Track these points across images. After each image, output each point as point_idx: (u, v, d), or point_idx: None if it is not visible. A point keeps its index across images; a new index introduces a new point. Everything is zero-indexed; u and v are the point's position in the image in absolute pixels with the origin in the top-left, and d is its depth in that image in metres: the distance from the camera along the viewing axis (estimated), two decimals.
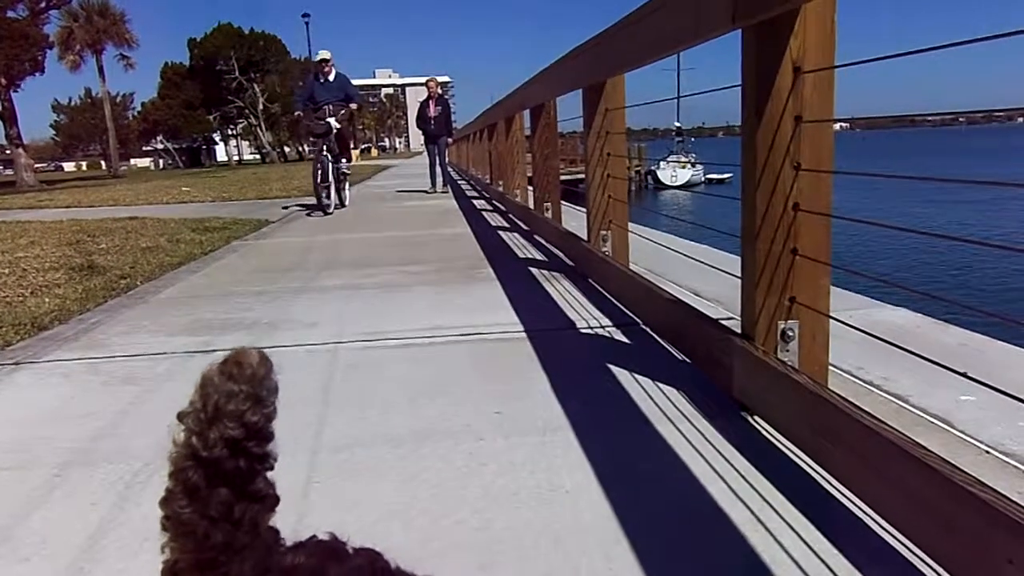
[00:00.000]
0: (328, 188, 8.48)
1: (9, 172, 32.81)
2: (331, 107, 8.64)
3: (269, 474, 0.57)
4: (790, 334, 1.83)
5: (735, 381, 1.94)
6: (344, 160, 9.09)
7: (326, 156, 8.45)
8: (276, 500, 0.57)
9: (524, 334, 2.82)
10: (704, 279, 3.36)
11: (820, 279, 1.81)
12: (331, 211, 8.37)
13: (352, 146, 9.61)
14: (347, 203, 9.22)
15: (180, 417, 0.54)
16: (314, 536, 0.58)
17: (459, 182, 14.15)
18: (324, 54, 8.86)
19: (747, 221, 1.87)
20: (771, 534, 1.34)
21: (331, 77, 8.82)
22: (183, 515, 0.53)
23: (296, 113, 9.48)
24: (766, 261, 1.82)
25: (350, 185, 9.62)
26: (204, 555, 0.53)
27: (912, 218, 20.93)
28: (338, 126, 8.64)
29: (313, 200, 8.77)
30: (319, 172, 8.36)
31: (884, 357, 2.19)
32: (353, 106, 8.95)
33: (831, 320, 1.82)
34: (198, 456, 0.53)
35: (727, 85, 2.05)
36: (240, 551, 0.53)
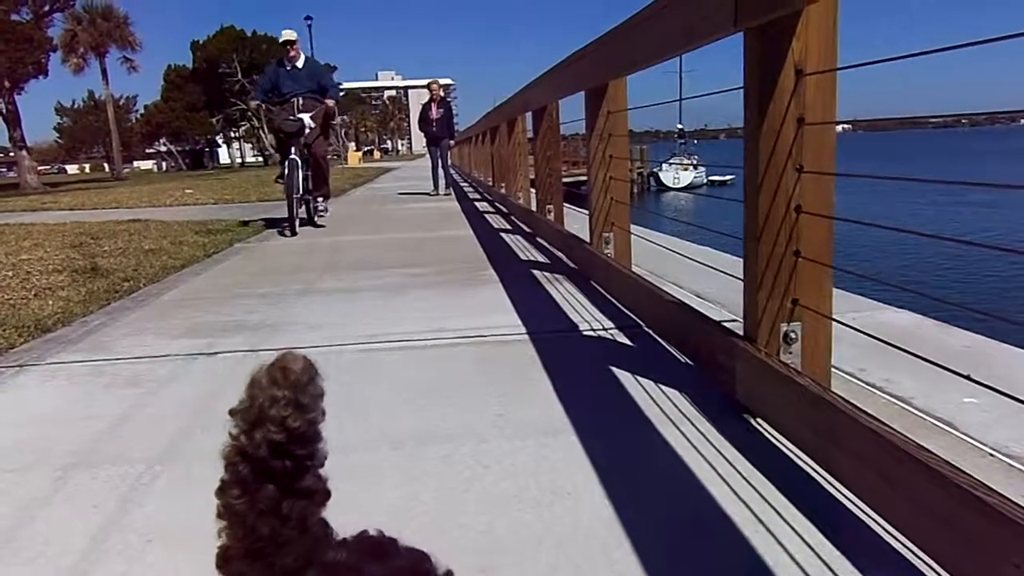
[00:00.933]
0: (301, 201, 6.94)
1: (12, 174, 32.87)
2: (301, 100, 6.93)
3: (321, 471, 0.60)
4: (792, 336, 1.82)
5: (738, 383, 1.94)
6: (321, 199, 7.40)
7: (295, 159, 6.74)
8: (327, 495, 0.60)
9: (527, 336, 2.82)
10: (706, 281, 3.36)
11: (822, 281, 1.81)
12: (296, 231, 6.68)
13: (328, 169, 7.62)
14: (320, 224, 7.39)
15: (232, 413, 0.56)
16: (365, 532, 0.60)
17: (461, 184, 14.16)
18: (288, 34, 7.16)
19: (749, 223, 1.87)
20: (774, 536, 1.34)
21: (299, 63, 7.09)
22: (234, 506, 0.55)
23: (254, 103, 7.57)
24: (768, 263, 1.82)
25: (322, 202, 7.53)
26: (252, 544, 0.55)
27: (914, 220, 20.91)
28: (313, 124, 6.90)
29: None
30: (294, 180, 6.66)
31: (887, 359, 2.18)
32: (330, 103, 7.07)
33: (833, 322, 1.81)
34: (245, 453, 0.55)
35: (729, 87, 2.05)
36: (287, 544, 0.55)
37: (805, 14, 1.70)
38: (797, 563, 1.25)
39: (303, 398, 0.56)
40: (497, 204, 9.09)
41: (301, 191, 6.86)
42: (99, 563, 1.36)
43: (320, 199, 7.41)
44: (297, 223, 6.79)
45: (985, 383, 1.40)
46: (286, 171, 6.75)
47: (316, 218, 7.37)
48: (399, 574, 0.55)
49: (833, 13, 1.72)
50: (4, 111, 28.87)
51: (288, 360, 0.56)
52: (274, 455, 0.55)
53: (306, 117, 6.83)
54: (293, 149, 6.79)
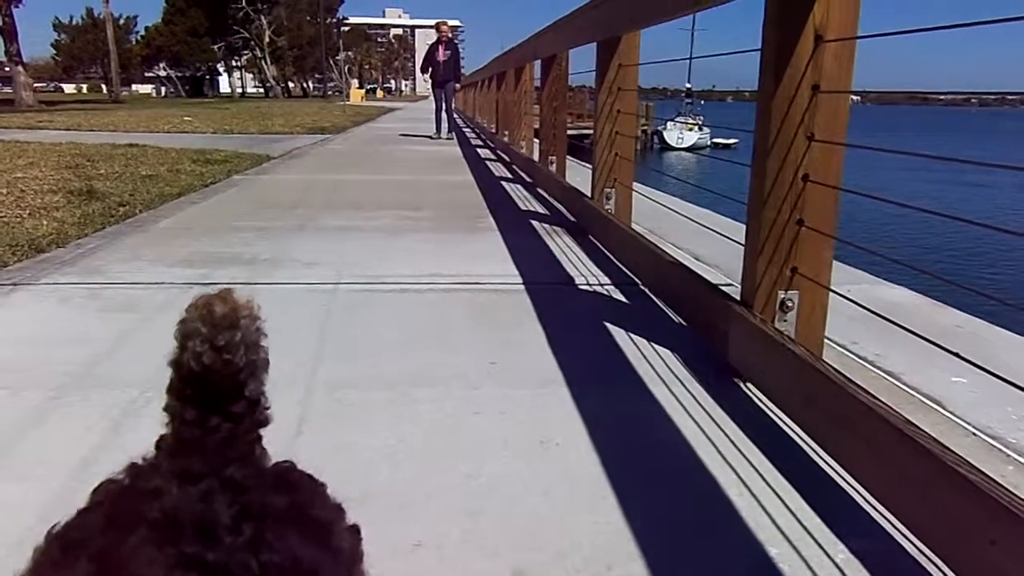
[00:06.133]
0: None
1: (8, 90, 32.14)
2: None
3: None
4: (789, 304, 1.83)
5: (731, 347, 1.95)
6: None
7: None
8: (256, 423, 0.61)
9: (523, 286, 2.82)
10: (705, 243, 3.35)
11: (823, 251, 1.81)
12: None
13: None
14: None
15: (179, 323, 0.59)
16: (289, 462, 0.62)
17: (464, 130, 14.00)
18: None
19: (755, 189, 1.86)
20: (756, 499, 1.36)
21: None
22: (171, 406, 0.59)
23: None
24: (771, 230, 1.81)
25: None
26: (180, 443, 0.58)
27: (920, 197, 20.84)
28: None
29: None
30: None
31: (880, 334, 2.19)
32: None
33: (830, 293, 1.82)
34: (179, 364, 0.58)
35: (746, 49, 2.02)
36: (210, 452, 0.57)
37: None
38: (778, 526, 1.28)
39: (219, 340, 0.56)
40: (499, 152, 9.00)
41: None
42: (90, 484, 1.37)
43: None
44: None
45: (973, 361, 1.40)
46: None
47: None
48: (294, 508, 0.56)
49: None
50: (0, 24, 28.19)
51: (215, 300, 0.57)
52: (194, 381, 0.57)
53: None
54: None
